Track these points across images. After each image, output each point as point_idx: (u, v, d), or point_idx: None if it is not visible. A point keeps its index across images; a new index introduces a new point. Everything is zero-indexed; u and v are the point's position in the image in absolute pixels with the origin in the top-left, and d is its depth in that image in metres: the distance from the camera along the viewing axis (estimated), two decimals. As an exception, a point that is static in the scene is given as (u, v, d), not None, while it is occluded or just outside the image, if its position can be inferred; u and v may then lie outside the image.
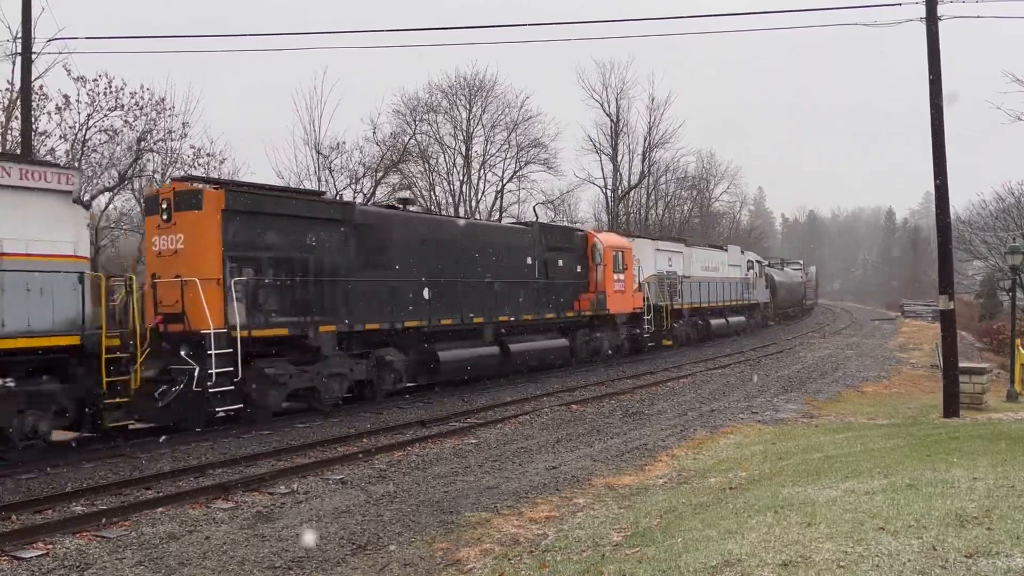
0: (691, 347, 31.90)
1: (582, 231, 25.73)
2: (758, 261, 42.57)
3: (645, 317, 26.71)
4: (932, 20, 15.29)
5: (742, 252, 40.66)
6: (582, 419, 15.37)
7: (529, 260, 21.30)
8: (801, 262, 64.68)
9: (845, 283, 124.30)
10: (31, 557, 7.56)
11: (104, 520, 8.69)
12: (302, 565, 7.30)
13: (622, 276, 24.80)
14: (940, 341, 17.21)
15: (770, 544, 6.00)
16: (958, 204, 51.50)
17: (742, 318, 38.94)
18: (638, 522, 7.87)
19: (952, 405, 15.41)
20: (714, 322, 34.89)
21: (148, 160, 26.73)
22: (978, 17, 17.51)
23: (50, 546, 7.92)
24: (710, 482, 9.72)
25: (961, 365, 16.38)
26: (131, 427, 13.47)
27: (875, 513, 6.69)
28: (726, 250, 38.43)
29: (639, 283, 26.47)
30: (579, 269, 23.71)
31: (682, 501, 8.62)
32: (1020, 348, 20.00)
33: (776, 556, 5.68)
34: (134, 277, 13.17)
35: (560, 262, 22.59)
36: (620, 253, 24.86)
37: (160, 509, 9.14)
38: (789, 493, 7.91)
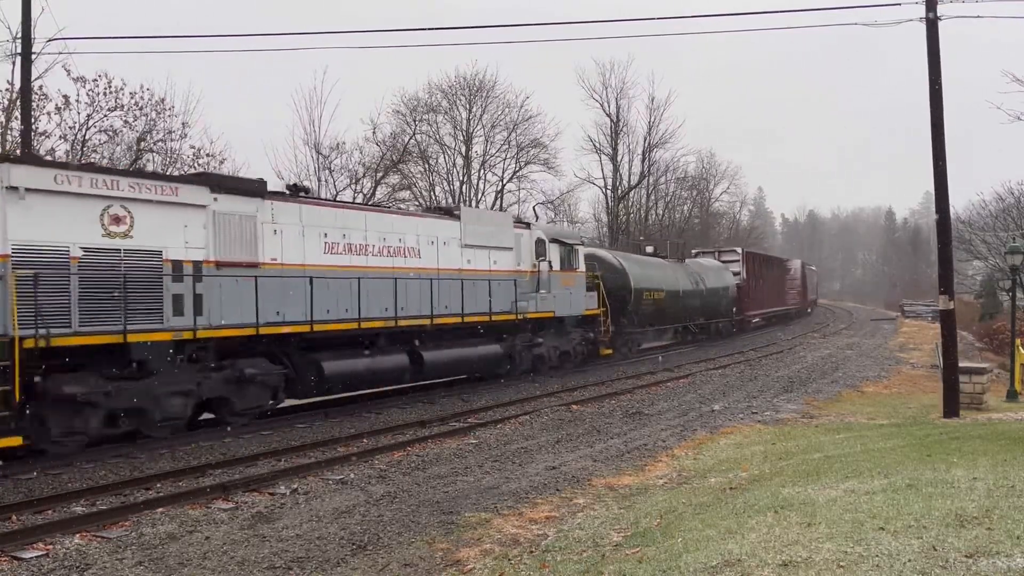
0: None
1: None
2: (560, 241, 22.43)
3: None
4: (932, 20, 15.30)
5: (524, 225, 21.73)
6: (582, 419, 15.38)
7: None
8: (739, 250, 41.60)
9: (845, 283, 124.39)
10: (31, 557, 7.56)
11: (104, 520, 8.70)
12: (302, 565, 7.30)
13: None
14: (940, 341, 17.21)
15: (770, 544, 6.01)
16: (958, 204, 51.65)
17: (492, 348, 19.73)
18: (638, 522, 7.88)
19: (952, 405, 15.42)
20: (337, 365, 15.39)
21: (148, 160, 26.73)
22: (978, 17, 17.47)
23: (50, 546, 7.92)
24: (710, 482, 9.72)
25: (961, 365, 16.38)
26: None
27: (875, 513, 6.70)
28: (457, 217, 19.23)
29: None
30: None
31: (682, 501, 8.62)
32: (1020, 348, 19.99)
33: (776, 556, 5.68)
34: None
35: None
36: None
37: (160, 509, 9.15)
38: (789, 493, 7.92)
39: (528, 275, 20.99)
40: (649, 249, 34.26)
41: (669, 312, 30.51)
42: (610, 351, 25.33)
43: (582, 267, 23.44)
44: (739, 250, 41.62)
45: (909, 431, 13.28)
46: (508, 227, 20.82)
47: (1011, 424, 14.17)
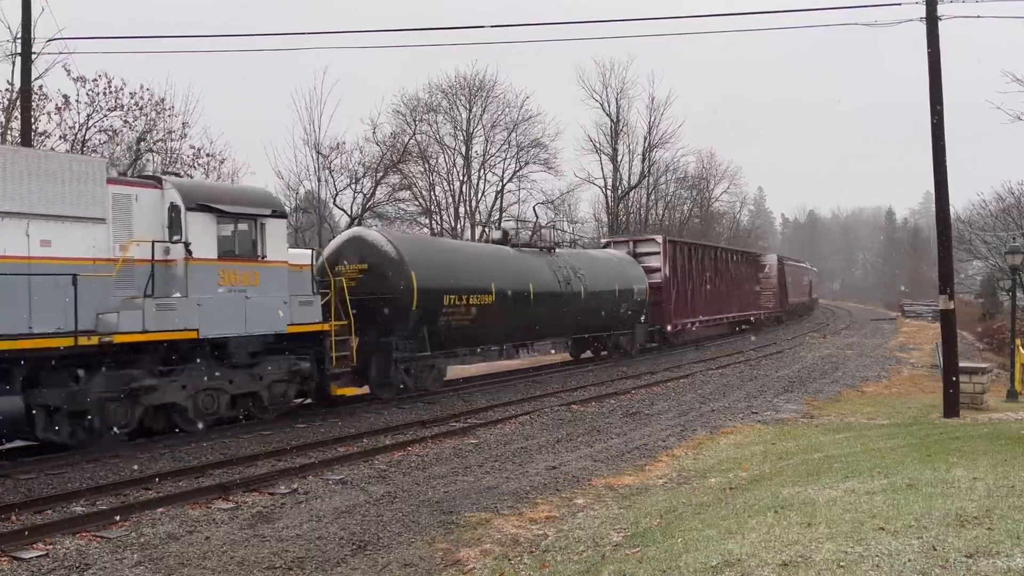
0: None
1: None
2: (218, 209, 13.13)
3: None
4: (932, 20, 15.29)
5: (148, 182, 13.19)
6: (582, 419, 15.37)
7: None
8: (659, 239, 31.00)
9: (846, 283, 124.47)
10: (31, 557, 7.56)
11: (104, 520, 8.70)
12: (302, 565, 7.30)
13: None
14: (940, 341, 17.21)
15: (770, 544, 6.01)
16: (958, 203, 51.52)
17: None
18: (638, 522, 7.88)
19: (952, 405, 15.41)
20: None
21: (148, 160, 26.72)
22: (978, 17, 17.48)
23: (50, 546, 7.91)
24: (710, 482, 9.72)
25: (961, 365, 16.37)
26: None
27: (875, 513, 6.70)
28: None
29: None
30: None
31: (682, 501, 8.62)
32: (1020, 348, 19.99)
33: (776, 556, 5.68)
34: None
35: None
36: None
37: (160, 509, 9.15)
38: (789, 493, 7.92)
39: (139, 266, 12.43)
40: (496, 235, 24.37)
41: (509, 323, 20.60)
42: (356, 389, 16.60)
43: (285, 256, 14.48)
44: (659, 239, 30.99)
45: (909, 431, 13.28)
46: (87, 180, 11.94)
47: (1011, 424, 14.17)
